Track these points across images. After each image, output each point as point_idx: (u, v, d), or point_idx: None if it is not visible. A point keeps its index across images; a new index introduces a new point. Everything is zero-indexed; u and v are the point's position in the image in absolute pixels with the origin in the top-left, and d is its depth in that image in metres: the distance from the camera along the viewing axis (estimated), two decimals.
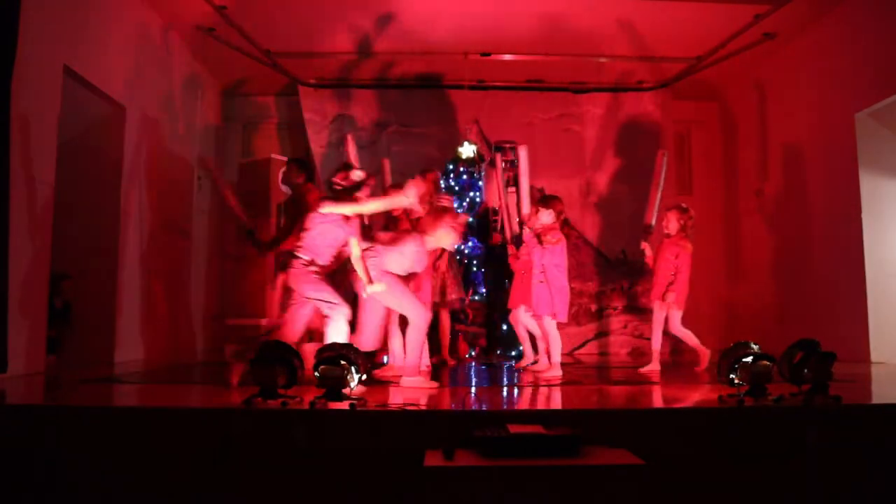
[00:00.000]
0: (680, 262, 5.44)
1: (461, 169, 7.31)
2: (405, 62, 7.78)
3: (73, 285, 5.83)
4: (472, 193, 7.57)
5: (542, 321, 5.08)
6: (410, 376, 4.30)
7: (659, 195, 5.75)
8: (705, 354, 5.45)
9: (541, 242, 5.03)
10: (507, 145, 6.90)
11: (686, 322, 5.56)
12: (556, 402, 3.97)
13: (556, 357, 4.99)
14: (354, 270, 4.33)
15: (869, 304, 6.16)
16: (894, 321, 6.13)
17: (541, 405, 3.88)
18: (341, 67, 7.95)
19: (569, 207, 8.24)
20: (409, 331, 4.30)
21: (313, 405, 3.19)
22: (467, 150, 7.27)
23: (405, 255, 4.30)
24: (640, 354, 7.43)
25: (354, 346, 3.64)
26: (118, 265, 6.06)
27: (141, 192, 6.49)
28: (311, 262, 4.27)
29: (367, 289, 4.20)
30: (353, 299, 4.68)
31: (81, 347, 5.87)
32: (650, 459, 2.72)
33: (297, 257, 4.29)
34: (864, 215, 6.24)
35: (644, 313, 7.64)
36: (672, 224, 5.52)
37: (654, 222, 5.72)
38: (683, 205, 5.67)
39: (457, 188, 7.67)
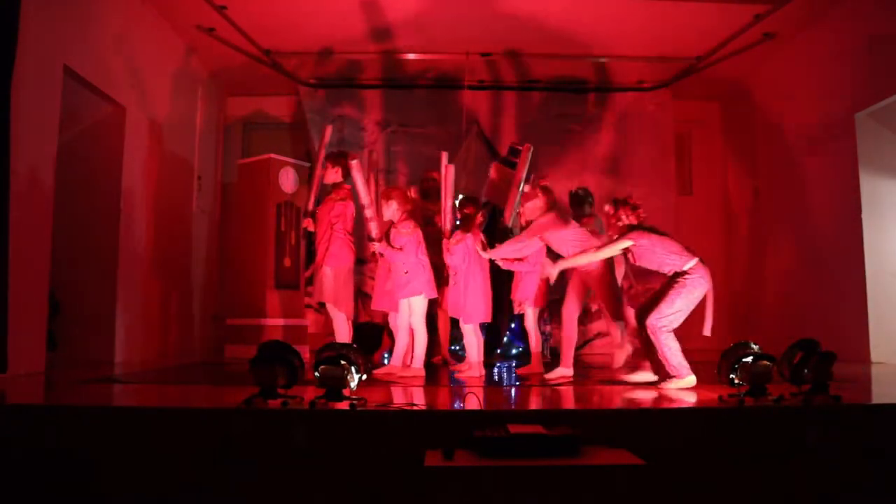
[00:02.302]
0: (526, 259, 5.28)
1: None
2: (405, 62, 7.78)
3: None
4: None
5: (464, 328, 5.09)
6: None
7: (520, 193, 5.29)
8: (537, 360, 5.36)
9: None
10: (515, 147, 6.74)
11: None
12: (556, 402, 3.97)
13: (473, 357, 5.02)
14: None
15: (869, 304, 6.15)
16: (894, 321, 6.13)
17: (541, 405, 3.88)
18: (341, 67, 7.95)
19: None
20: None
21: (313, 405, 3.19)
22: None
23: None
24: (642, 355, 7.41)
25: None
26: (118, 265, 6.06)
27: (141, 192, 6.49)
28: None
29: None
30: None
31: (80, 347, 5.87)
32: (650, 459, 2.72)
33: None
34: (864, 215, 6.24)
35: None
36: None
37: (511, 223, 5.38)
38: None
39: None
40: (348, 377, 3.37)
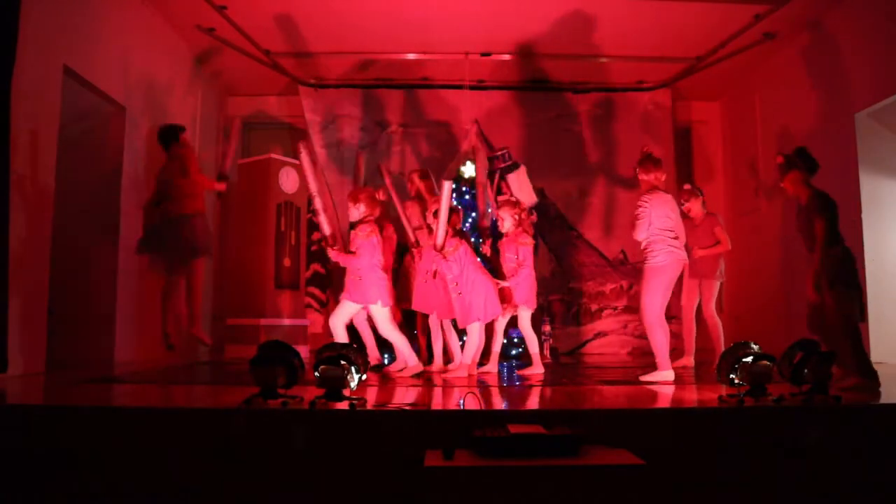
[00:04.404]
0: (521, 259, 5.20)
1: (464, 189, 7.15)
2: (406, 62, 7.79)
3: None
4: (474, 214, 7.00)
5: (468, 328, 5.01)
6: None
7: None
8: (537, 361, 5.28)
9: (444, 256, 4.94)
10: (500, 152, 6.68)
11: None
12: (556, 403, 3.97)
13: (467, 358, 5.01)
14: None
15: (869, 304, 6.14)
16: (894, 321, 6.13)
17: (541, 405, 3.88)
18: (341, 67, 7.95)
19: (569, 207, 8.28)
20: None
21: (313, 405, 3.19)
22: (469, 170, 7.14)
23: None
24: (642, 354, 7.42)
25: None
26: (118, 265, 6.06)
27: (141, 192, 6.49)
28: None
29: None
30: None
31: (80, 347, 5.86)
32: (650, 459, 2.72)
33: None
34: (864, 215, 6.24)
35: None
36: (506, 222, 5.28)
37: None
38: (513, 199, 5.47)
39: (459, 207, 7.21)
40: (348, 377, 3.37)
